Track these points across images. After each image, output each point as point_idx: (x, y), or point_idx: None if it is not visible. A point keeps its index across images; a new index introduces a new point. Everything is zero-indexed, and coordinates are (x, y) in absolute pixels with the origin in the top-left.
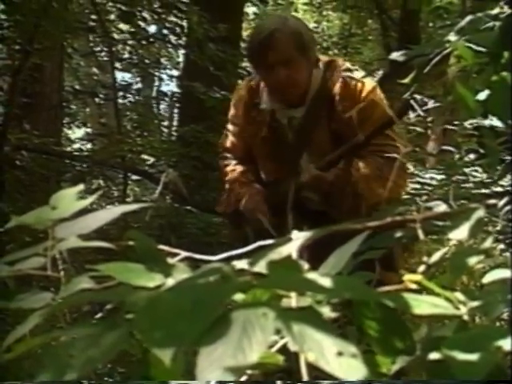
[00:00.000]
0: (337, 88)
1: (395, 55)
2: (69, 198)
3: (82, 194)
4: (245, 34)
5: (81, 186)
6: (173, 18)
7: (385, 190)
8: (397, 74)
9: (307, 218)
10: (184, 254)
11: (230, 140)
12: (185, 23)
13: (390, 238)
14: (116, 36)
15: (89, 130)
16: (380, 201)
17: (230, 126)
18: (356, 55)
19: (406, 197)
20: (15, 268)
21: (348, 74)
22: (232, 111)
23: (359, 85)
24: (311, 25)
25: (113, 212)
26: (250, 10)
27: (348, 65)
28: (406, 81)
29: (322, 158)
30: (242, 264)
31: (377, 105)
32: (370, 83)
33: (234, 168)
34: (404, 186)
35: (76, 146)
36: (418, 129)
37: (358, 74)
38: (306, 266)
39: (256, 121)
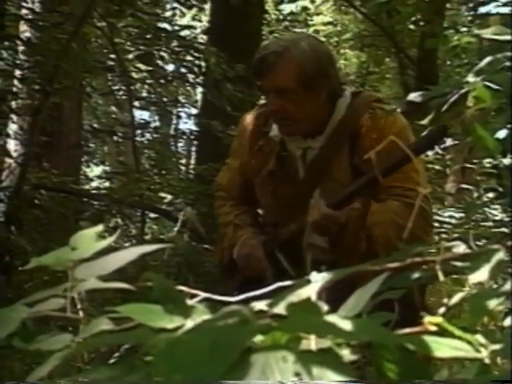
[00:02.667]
0: (364, 119)
1: (413, 96)
2: (88, 239)
3: (101, 233)
4: None
5: (100, 227)
6: (190, 58)
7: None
8: (414, 113)
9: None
10: (203, 294)
11: (227, 176)
12: (202, 62)
13: (410, 278)
14: (134, 75)
15: (107, 168)
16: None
17: (230, 160)
18: (374, 93)
19: None
20: (35, 309)
21: (378, 104)
22: (235, 143)
23: (390, 118)
24: None
25: (132, 253)
26: None
27: (379, 96)
28: (425, 122)
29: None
30: (260, 305)
31: (407, 142)
32: (401, 119)
33: (229, 210)
34: (425, 236)
35: (94, 184)
36: (437, 167)
37: (389, 106)
38: (325, 307)
39: (263, 152)
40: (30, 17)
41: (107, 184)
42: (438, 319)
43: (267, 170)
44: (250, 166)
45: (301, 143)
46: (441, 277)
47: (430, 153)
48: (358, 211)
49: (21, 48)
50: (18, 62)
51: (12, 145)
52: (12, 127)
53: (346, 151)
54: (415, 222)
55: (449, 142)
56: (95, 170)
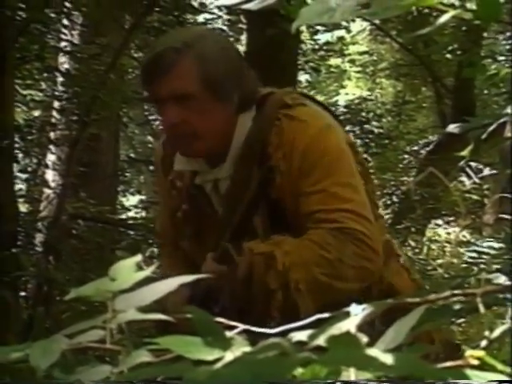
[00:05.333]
0: (270, 135)
1: (451, 128)
2: (127, 269)
3: (138, 263)
4: None
5: (139, 257)
6: None
7: (341, 280)
8: (451, 143)
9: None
10: (242, 326)
11: (159, 221)
12: None
13: (449, 311)
14: None
15: (143, 197)
16: (350, 291)
17: (159, 200)
18: (410, 122)
19: (463, 266)
20: (75, 341)
21: (287, 111)
22: (155, 180)
23: (300, 126)
24: (364, 92)
25: (170, 283)
26: (303, 77)
27: (287, 99)
28: (463, 154)
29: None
30: (299, 337)
31: (324, 153)
32: (316, 121)
33: (167, 261)
34: (368, 264)
35: (131, 213)
36: (474, 196)
37: (301, 110)
38: (364, 340)
39: (176, 188)
40: (68, 49)
41: (143, 214)
42: (480, 353)
43: (182, 210)
44: (168, 206)
45: (207, 175)
46: (481, 309)
47: (467, 182)
48: (262, 256)
49: (60, 79)
50: (56, 93)
51: (50, 175)
52: (50, 158)
53: (257, 180)
54: (348, 250)
55: (486, 171)
56: (132, 200)
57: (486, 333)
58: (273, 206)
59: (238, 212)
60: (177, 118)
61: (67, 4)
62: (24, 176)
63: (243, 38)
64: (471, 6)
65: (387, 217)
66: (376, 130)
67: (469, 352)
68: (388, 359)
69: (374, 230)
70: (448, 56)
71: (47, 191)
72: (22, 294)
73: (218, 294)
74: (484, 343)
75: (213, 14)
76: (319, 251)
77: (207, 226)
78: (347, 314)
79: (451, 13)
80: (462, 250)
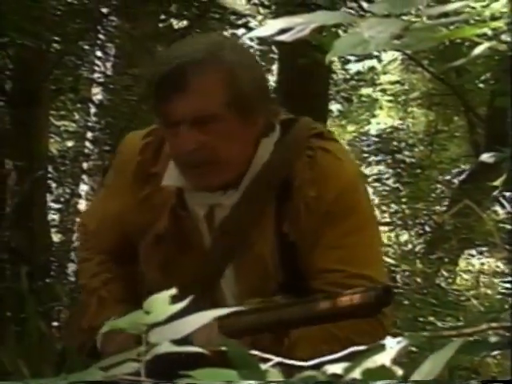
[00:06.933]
0: (299, 166)
1: (484, 157)
2: (162, 302)
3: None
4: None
5: (173, 290)
6: None
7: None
8: (484, 173)
9: None
10: (276, 359)
11: (98, 218)
12: None
13: (486, 343)
14: None
15: None
16: None
17: (103, 194)
18: (442, 152)
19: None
20: (110, 373)
21: (321, 142)
22: (110, 177)
23: (337, 164)
24: (396, 122)
25: (205, 316)
26: (334, 107)
27: (321, 128)
28: (497, 183)
29: (258, 282)
30: (334, 369)
31: (357, 203)
32: (350, 164)
33: (95, 270)
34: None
35: None
36: (508, 226)
37: (336, 146)
38: (400, 372)
39: (151, 203)
40: (101, 80)
41: None
42: None
43: (156, 231)
44: (132, 218)
45: (207, 198)
46: None
47: (501, 212)
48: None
49: (93, 110)
50: (89, 123)
51: (83, 205)
52: (83, 188)
53: (271, 213)
54: (361, 328)
55: None
56: None
57: None
58: (284, 249)
59: (232, 249)
60: (195, 144)
61: (101, 36)
62: (57, 206)
63: (274, 67)
64: (506, 37)
65: (419, 247)
66: (408, 160)
67: None
68: None
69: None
70: (481, 85)
71: None
72: (56, 324)
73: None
74: None
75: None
76: (330, 328)
77: (185, 257)
78: (382, 347)
79: (486, 44)
80: (496, 281)
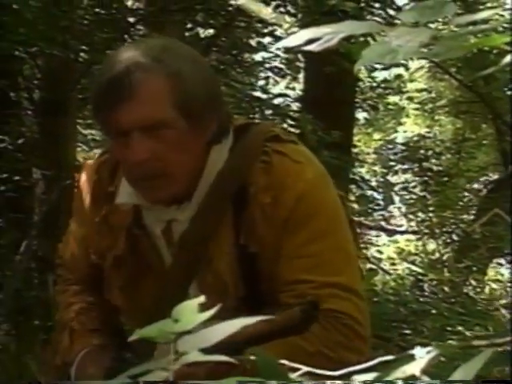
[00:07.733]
0: (254, 172)
1: None
2: (190, 311)
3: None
4: (355, 138)
5: (202, 298)
6: (285, 125)
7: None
8: None
9: None
10: (305, 368)
11: (69, 249)
12: (297, 130)
13: None
14: None
15: None
16: None
17: (72, 226)
18: (470, 160)
19: None
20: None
21: (277, 146)
22: (75, 203)
23: (294, 168)
24: (423, 130)
25: (234, 325)
26: (361, 115)
27: (278, 130)
28: None
29: (219, 299)
30: (363, 379)
31: (319, 208)
32: (312, 166)
33: (70, 301)
34: (355, 358)
35: None
36: None
37: (294, 148)
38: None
39: (109, 224)
40: None
41: None
42: None
43: (114, 253)
44: (94, 241)
45: (163, 213)
46: None
47: None
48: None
49: None
50: None
51: None
52: None
53: (229, 225)
54: (332, 340)
55: None
56: None
57: None
58: (244, 262)
59: (193, 265)
60: (146, 153)
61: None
62: None
63: (300, 76)
64: None
65: (447, 255)
66: (435, 168)
67: None
68: None
69: (363, 306)
70: (509, 93)
71: None
72: None
73: None
74: None
75: (270, 52)
76: (299, 342)
77: (146, 277)
78: (411, 357)
79: None
80: None
